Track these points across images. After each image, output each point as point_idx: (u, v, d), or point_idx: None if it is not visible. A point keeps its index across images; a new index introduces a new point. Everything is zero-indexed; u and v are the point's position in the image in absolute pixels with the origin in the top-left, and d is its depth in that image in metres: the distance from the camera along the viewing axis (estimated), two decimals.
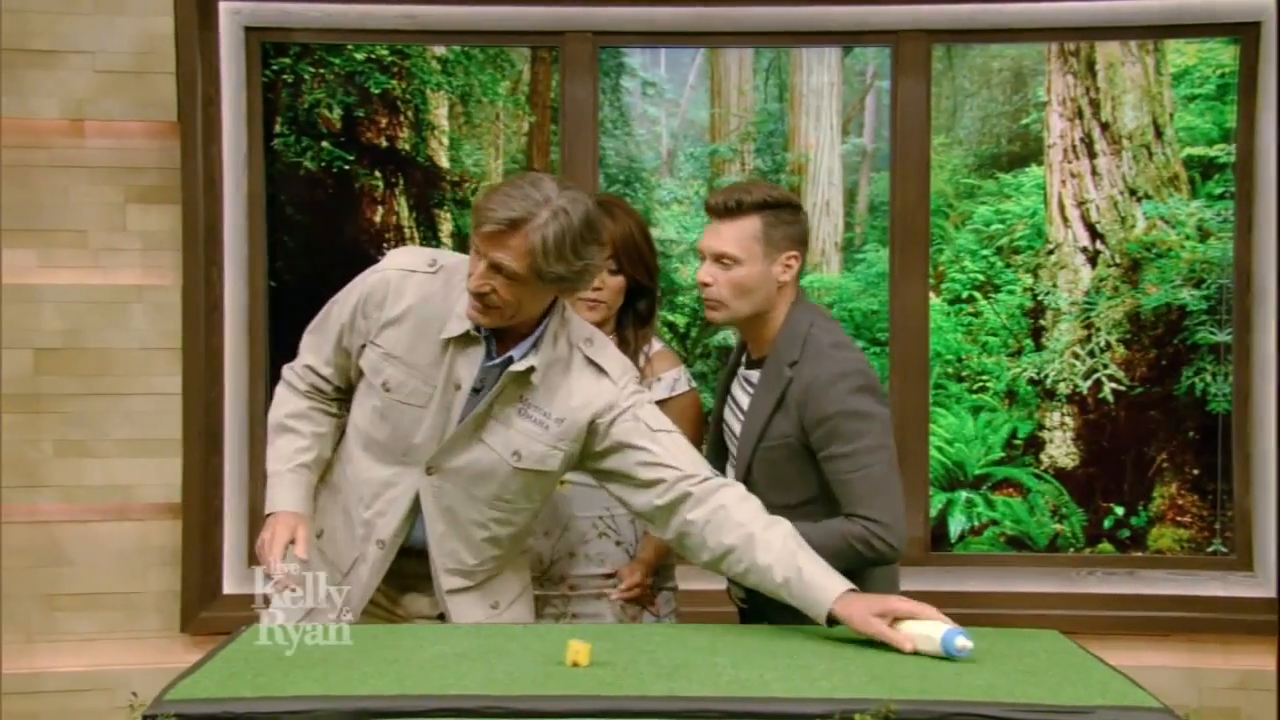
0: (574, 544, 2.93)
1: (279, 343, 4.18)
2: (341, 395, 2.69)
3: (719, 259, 2.60)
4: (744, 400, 2.74)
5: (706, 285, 2.64)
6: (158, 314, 4.00)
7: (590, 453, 2.55)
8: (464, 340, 2.50)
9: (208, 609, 4.02)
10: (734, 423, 2.76)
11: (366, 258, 4.12)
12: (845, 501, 2.55)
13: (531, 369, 2.48)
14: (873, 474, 2.54)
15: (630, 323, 2.96)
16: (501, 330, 2.51)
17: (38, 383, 3.94)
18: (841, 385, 2.54)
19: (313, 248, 4.25)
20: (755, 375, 2.71)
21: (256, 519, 4.12)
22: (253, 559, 4.14)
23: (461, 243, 4.23)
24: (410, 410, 2.54)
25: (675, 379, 2.95)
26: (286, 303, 4.22)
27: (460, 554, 2.57)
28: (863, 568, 2.53)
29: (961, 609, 2.51)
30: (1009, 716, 1.93)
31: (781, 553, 2.32)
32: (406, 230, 4.24)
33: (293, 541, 2.51)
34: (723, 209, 2.62)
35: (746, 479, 2.62)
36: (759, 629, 2.58)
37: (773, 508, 2.50)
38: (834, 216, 4.23)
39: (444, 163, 4.26)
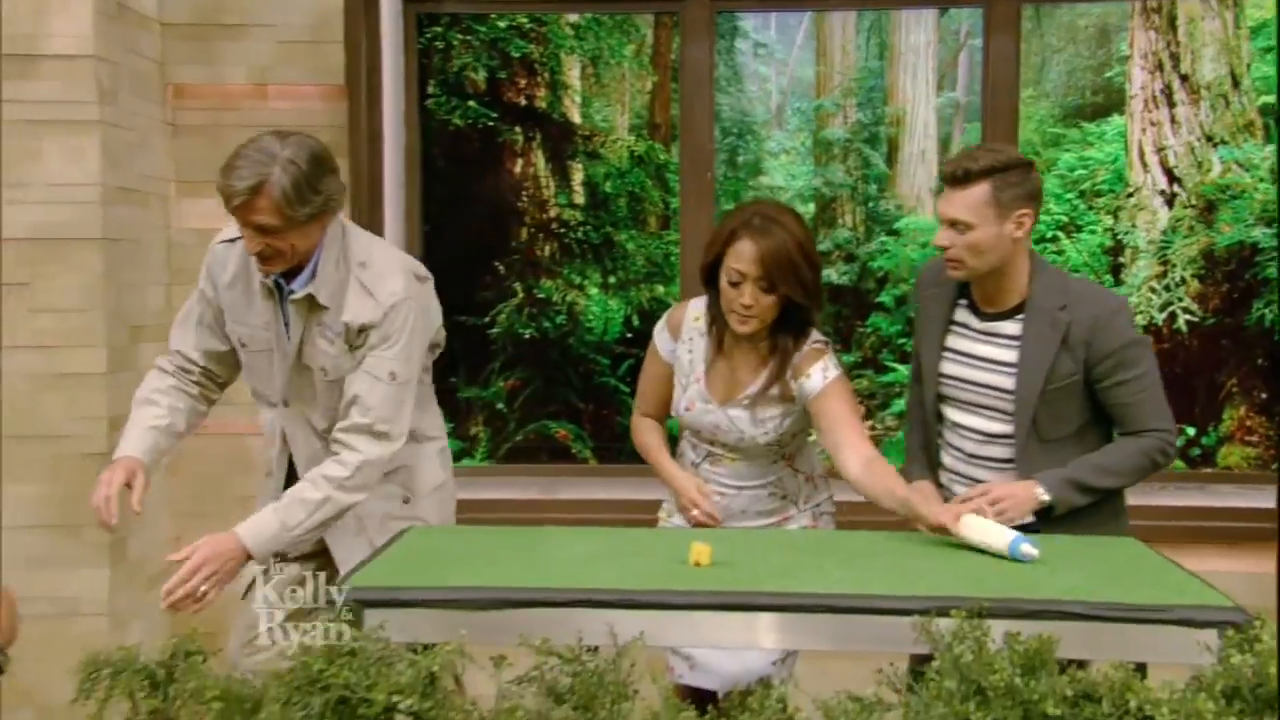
0: (747, 505, 2.95)
1: (434, 271, 4.60)
2: (208, 377, 2.93)
3: (953, 224, 2.64)
4: (985, 350, 2.76)
5: (945, 248, 2.68)
6: None
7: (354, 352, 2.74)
8: (267, 290, 2.73)
9: None
10: (974, 373, 2.77)
11: (508, 204, 4.53)
12: (1133, 420, 2.68)
13: (310, 295, 2.68)
14: (1156, 393, 2.69)
15: (787, 332, 2.87)
16: (292, 271, 2.68)
17: None
18: (1121, 318, 2.67)
19: (461, 195, 4.53)
20: (1006, 326, 2.73)
21: None
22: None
23: (591, 191, 4.61)
24: (261, 356, 2.83)
25: (823, 370, 2.87)
26: (438, 243, 4.52)
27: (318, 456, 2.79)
28: (1147, 477, 2.73)
29: None
30: (1091, 614, 2.04)
31: None
32: (542, 179, 4.57)
33: (129, 485, 2.68)
34: (953, 178, 2.65)
35: (1032, 424, 2.69)
36: (862, 535, 2.71)
37: (1049, 441, 2.70)
38: (929, 164, 4.48)
39: (576, 118, 4.55)
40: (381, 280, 2.73)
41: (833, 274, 4.41)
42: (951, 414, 2.86)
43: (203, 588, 2.62)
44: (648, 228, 4.57)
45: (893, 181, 4.52)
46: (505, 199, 4.58)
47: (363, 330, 2.71)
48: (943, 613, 1.95)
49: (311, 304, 2.71)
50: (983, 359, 2.77)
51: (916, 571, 2.29)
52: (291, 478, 2.87)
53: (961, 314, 2.82)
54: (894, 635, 2.03)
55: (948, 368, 2.83)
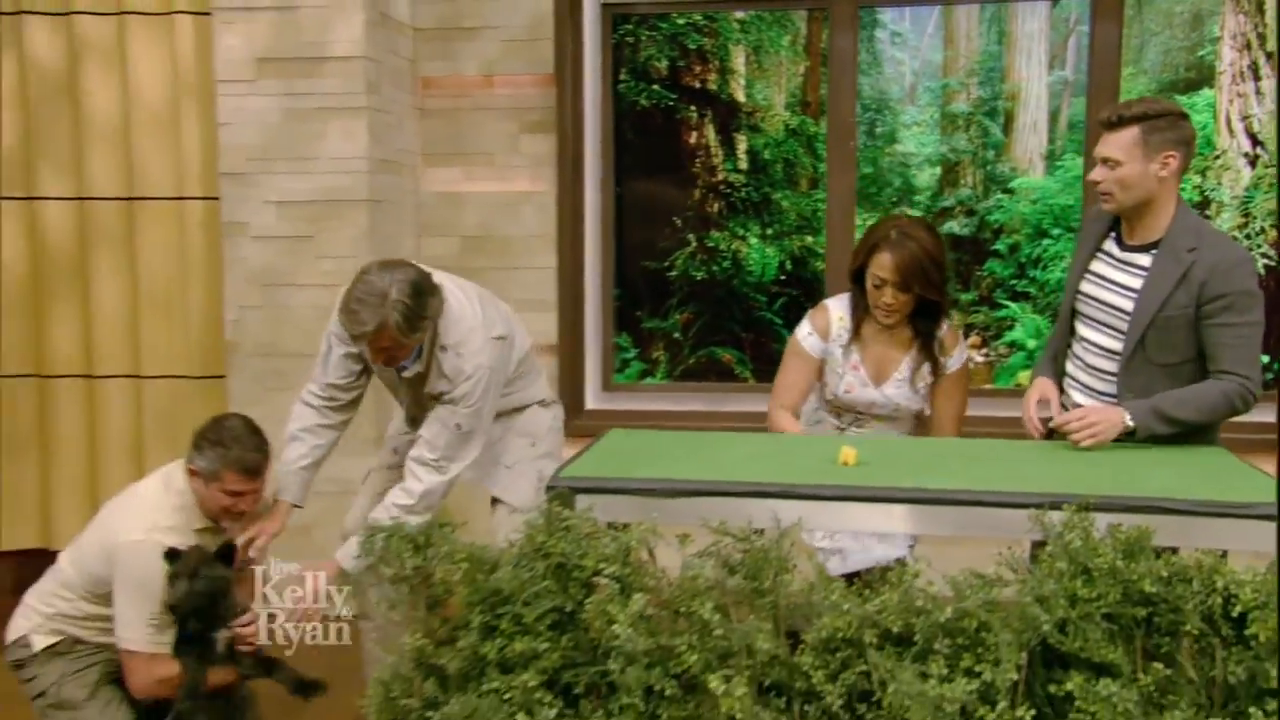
0: None
1: (622, 233, 4.59)
2: (350, 399, 2.93)
3: (1105, 162, 2.55)
4: (1120, 277, 2.65)
5: (1097, 183, 2.59)
6: (540, 212, 4.32)
7: None
8: None
9: (576, 418, 4.28)
10: (1111, 296, 2.66)
11: (684, 169, 4.53)
12: (1224, 361, 2.53)
13: (418, 373, 2.79)
14: (1254, 344, 2.54)
15: (924, 319, 2.87)
16: None
17: (462, 260, 4.30)
18: (1242, 269, 2.53)
19: (646, 164, 4.55)
20: (1141, 258, 2.61)
21: (610, 357, 4.64)
22: (608, 384, 4.66)
23: (753, 158, 4.55)
24: (390, 390, 3.03)
25: (961, 357, 2.92)
26: (627, 202, 4.57)
27: None
28: (1225, 420, 2.59)
29: None
30: (1184, 509, 2.01)
31: None
32: (712, 149, 4.53)
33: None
34: (1107, 122, 2.57)
35: (1140, 343, 2.58)
36: (984, 442, 2.68)
37: (1159, 366, 2.57)
38: (1040, 134, 4.31)
39: (741, 98, 4.48)
40: (459, 361, 2.75)
41: (955, 226, 4.30)
42: (1080, 328, 2.75)
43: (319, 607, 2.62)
44: (799, 188, 4.51)
45: (1008, 148, 4.37)
46: (682, 165, 4.57)
47: (441, 394, 2.79)
48: (1055, 506, 1.92)
49: (417, 377, 2.83)
50: (1114, 283, 2.66)
51: (1031, 472, 2.25)
52: None
53: (1109, 244, 2.71)
54: (1011, 524, 1.99)
55: (1085, 287, 2.72)
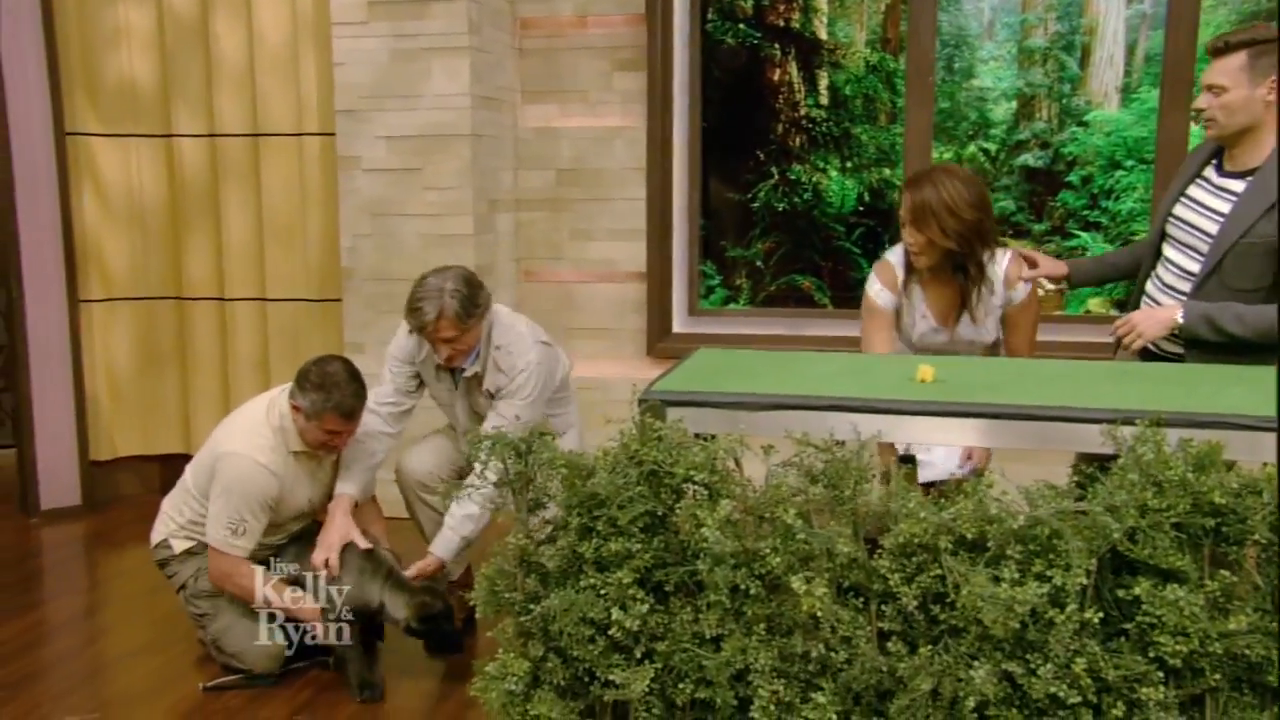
0: None
1: (708, 165, 4.50)
2: (408, 402, 3.07)
3: (1210, 88, 2.45)
4: (1212, 202, 2.53)
5: (1202, 110, 2.49)
6: (631, 146, 4.28)
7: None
8: (443, 371, 3.00)
9: (663, 340, 4.34)
10: (1199, 218, 2.54)
11: (767, 105, 4.44)
12: None
13: (476, 373, 2.95)
14: None
15: (961, 260, 2.73)
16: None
17: (558, 191, 4.33)
18: None
19: (732, 99, 4.51)
20: (1235, 184, 2.49)
21: (696, 284, 4.60)
22: (694, 309, 4.63)
23: (833, 94, 4.45)
24: (446, 408, 3.10)
25: (1026, 287, 2.78)
26: (713, 136, 4.40)
27: None
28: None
29: None
30: (1253, 424, 1.90)
31: None
32: (795, 85, 4.46)
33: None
34: (1214, 49, 2.45)
35: (1217, 265, 2.47)
36: (1057, 363, 2.55)
37: (1234, 291, 2.43)
38: (1116, 67, 4.15)
39: (823, 35, 4.42)
40: (512, 357, 2.93)
41: (1029, 158, 4.16)
42: (1165, 249, 2.63)
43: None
44: (878, 122, 4.40)
45: (1084, 81, 4.19)
46: (765, 101, 4.50)
47: (498, 391, 2.95)
48: (1127, 421, 1.85)
49: (474, 377, 2.98)
50: (1205, 206, 2.54)
51: (1104, 390, 2.16)
52: None
53: (1208, 171, 2.58)
54: (1084, 439, 1.94)
55: (1178, 210, 2.60)
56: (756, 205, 4.54)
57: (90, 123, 4.25)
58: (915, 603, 1.88)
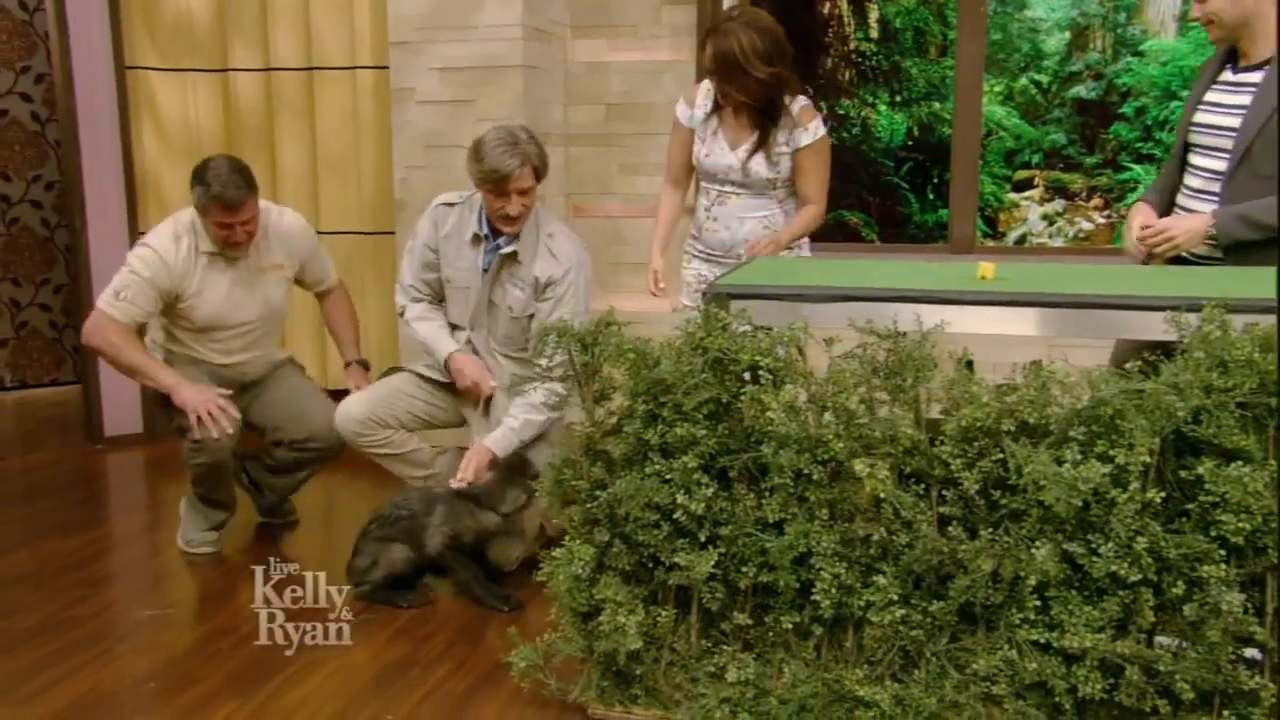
0: (747, 234, 2.96)
1: None
2: (430, 295, 3.05)
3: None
4: (1232, 99, 2.46)
5: (1197, 18, 2.47)
6: (680, 81, 4.19)
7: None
8: (475, 239, 2.90)
9: None
10: (1218, 118, 2.48)
11: (816, 39, 4.41)
12: None
13: (514, 251, 2.85)
14: None
15: (766, 108, 2.81)
16: (494, 233, 2.88)
17: (608, 125, 4.32)
18: None
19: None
20: (1254, 76, 2.42)
21: None
22: None
23: (883, 27, 4.41)
24: (459, 293, 2.97)
25: (816, 127, 2.85)
26: None
27: (495, 371, 2.98)
28: None
29: None
30: None
31: None
32: (845, 19, 4.43)
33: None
34: None
35: (1244, 156, 2.39)
36: (1120, 266, 2.49)
37: (1264, 179, 2.35)
38: None
39: None
40: (563, 247, 2.89)
41: (1082, 90, 4.10)
42: (1191, 157, 2.57)
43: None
44: (928, 55, 4.35)
45: (1140, 11, 4.13)
46: (814, 35, 4.45)
47: (549, 284, 2.87)
48: (1192, 308, 1.85)
49: (510, 258, 2.88)
50: (1226, 105, 2.48)
51: (1167, 284, 2.14)
52: None
53: (1224, 74, 2.53)
54: (1146, 326, 1.95)
55: (1199, 115, 2.55)
56: None
57: (149, 57, 4.32)
58: (976, 487, 1.91)
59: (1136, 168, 4.15)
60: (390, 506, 2.78)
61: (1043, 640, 1.89)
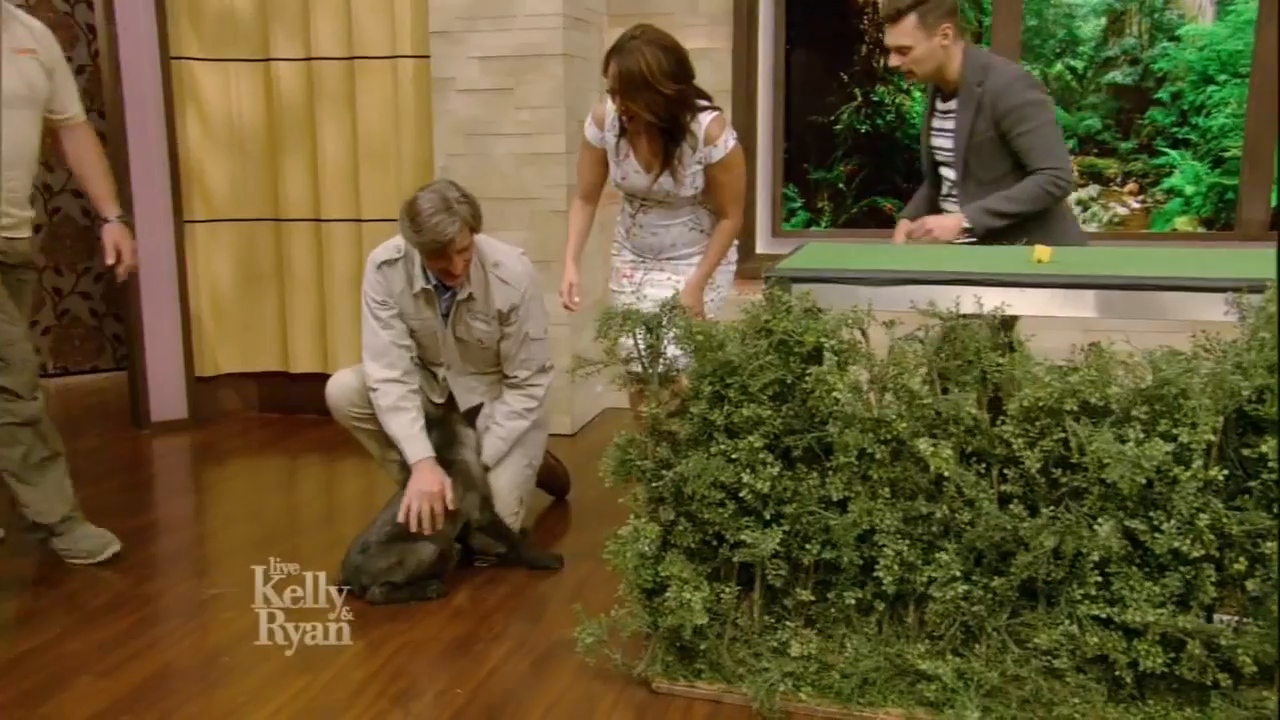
0: (674, 239, 3.00)
1: (791, 87, 4.53)
2: (410, 355, 2.92)
3: (897, 49, 2.78)
4: (946, 124, 2.87)
5: (897, 66, 2.82)
6: (716, 68, 4.29)
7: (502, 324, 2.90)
8: (426, 295, 2.84)
9: (746, 262, 4.16)
10: (942, 140, 2.90)
11: (850, 27, 4.43)
12: (1033, 160, 2.71)
13: (470, 294, 2.83)
14: (1048, 140, 2.71)
15: (671, 124, 2.78)
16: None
17: None
18: (1019, 84, 2.72)
19: (813, 21, 4.50)
20: (953, 104, 2.83)
21: (779, 206, 4.62)
22: (777, 231, 4.64)
23: None
24: (429, 338, 2.93)
25: (726, 140, 2.84)
26: (796, 59, 4.43)
27: (476, 391, 3.00)
28: (1052, 206, 2.74)
29: None
30: None
31: None
32: (879, 5, 4.43)
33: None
34: (887, 16, 2.78)
35: (965, 167, 2.82)
36: (1176, 249, 2.62)
37: (986, 184, 2.78)
38: None
39: None
40: (512, 272, 2.89)
41: (1118, 75, 4.10)
42: (939, 171, 2.97)
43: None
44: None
45: None
46: (849, 23, 4.45)
47: (511, 310, 2.90)
48: (1255, 289, 1.88)
49: (467, 299, 2.87)
50: (943, 129, 2.90)
51: (1221, 266, 2.16)
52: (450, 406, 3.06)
53: (939, 102, 2.92)
54: (1205, 308, 1.97)
55: (932, 139, 2.96)
56: (839, 128, 4.55)
57: (192, 47, 4.37)
58: (1038, 466, 1.95)
59: (1172, 153, 4.16)
60: (385, 517, 2.75)
61: (1104, 615, 1.93)
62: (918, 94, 4.31)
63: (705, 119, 2.83)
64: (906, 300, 2.09)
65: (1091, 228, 4.66)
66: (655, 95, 2.70)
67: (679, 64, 2.76)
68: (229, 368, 4.68)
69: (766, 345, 2.08)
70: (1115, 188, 4.30)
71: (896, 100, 4.42)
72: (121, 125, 4.22)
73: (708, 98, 2.89)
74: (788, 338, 2.07)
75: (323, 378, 3.03)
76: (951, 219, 2.79)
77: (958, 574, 2.00)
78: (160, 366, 4.47)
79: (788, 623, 2.16)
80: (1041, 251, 2.26)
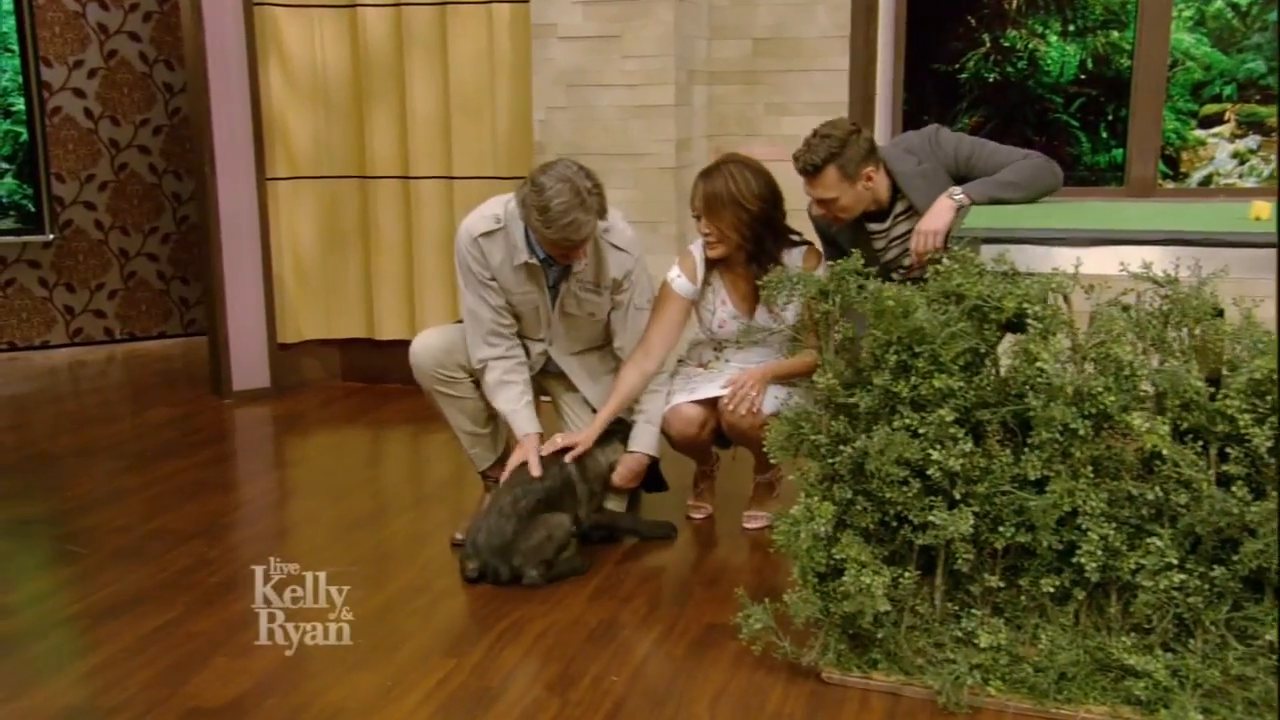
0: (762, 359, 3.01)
1: (912, 34, 4.45)
2: (514, 328, 2.91)
3: (823, 202, 2.79)
4: (895, 231, 2.90)
5: (824, 215, 2.86)
6: (834, 12, 4.18)
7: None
8: (529, 270, 2.79)
9: None
10: (895, 251, 2.91)
11: None
12: (1008, 163, 2.72)
13: (584, 265, 2.79)
14: (998, 151, 2.74)
15: (758, 253, 2.87)
16: None
17: (754, 62, 4.29)
18: (945, 143, 2.77)
19: None
20: (887, 221, 2.89)
21: None
22: None
23: None
24: (530, 313, 2.89)
25: (823, 270, 2.84)
26: (917, 7, 4.40)
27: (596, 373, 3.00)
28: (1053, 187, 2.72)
29: None
30: None
31: None
32: None
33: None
34: (805, 172, 2.78)
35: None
36: None
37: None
38: None
39: None
40: (624, 236, 2.87)
41: None
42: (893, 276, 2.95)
43: None
44: None
45: None
46: None
47: (625, 276, 2.88)
48: None
49: (580, 270, 2.84)
50: (894, 238, 2.91)
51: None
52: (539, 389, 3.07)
53: (870, 224, 2.93)
54: None
55: (886, 254, 2.94)
56: (964, 76, 4.46)
57: None
58: (1267, 444, 1.89)
59: None
60: (519, 491, 2.74)
61: None
62: (1053, 38, 4.21)
63: (797, 252, 2.93)
64: (1107, 262, 2.03)
65: (1250, 183, 4.53)
66: (741, 212, 2.81)
67: (767, 186, 2.87)
68: (311, 334, 4.71)
69: (959, 312, 2.04)
70: (1276, 138, 4.19)
71: (1030, 45, 4.31)
72: (203, 75, 4.25)
73: (797, 233, 2.99)
74: (983, 303, 2.02)
75: (409, 345, 3.01)
76: (940, 206, 2.71)
77: (1172, 561, 1.95)
78: (242, 332, 4.51)
79: (973, 611, 2.13)
80: (1260, 208, 2.19)
